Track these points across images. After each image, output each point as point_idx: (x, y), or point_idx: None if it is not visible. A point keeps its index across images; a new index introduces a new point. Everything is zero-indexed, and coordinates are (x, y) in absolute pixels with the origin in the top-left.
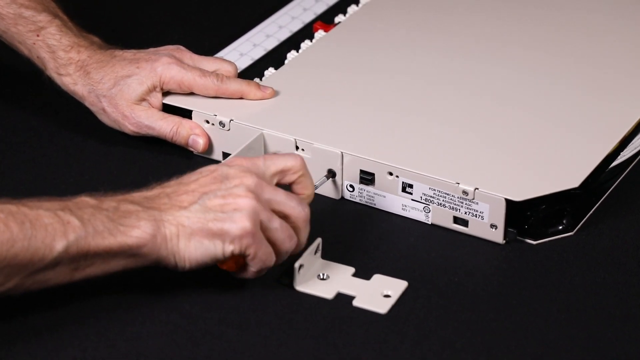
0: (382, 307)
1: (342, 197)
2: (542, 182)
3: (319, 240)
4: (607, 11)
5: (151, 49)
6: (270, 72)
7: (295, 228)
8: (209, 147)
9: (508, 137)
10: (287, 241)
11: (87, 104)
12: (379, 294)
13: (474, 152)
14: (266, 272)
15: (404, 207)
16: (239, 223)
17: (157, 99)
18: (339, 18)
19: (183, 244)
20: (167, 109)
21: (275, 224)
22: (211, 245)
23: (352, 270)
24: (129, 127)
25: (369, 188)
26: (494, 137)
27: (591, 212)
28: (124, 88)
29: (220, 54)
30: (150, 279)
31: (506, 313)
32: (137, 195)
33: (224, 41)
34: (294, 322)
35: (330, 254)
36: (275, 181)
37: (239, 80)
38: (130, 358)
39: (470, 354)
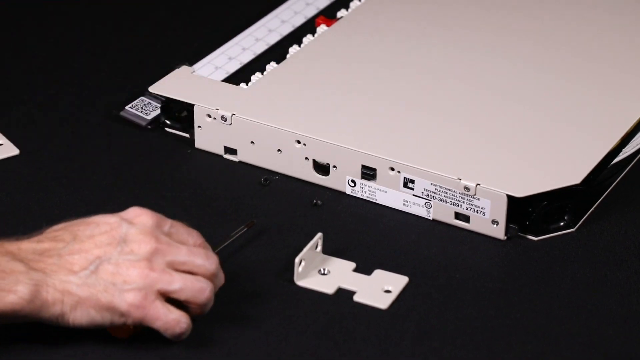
0: (382, 302)
1: (342, 192)
2: (544, 178)
3: (319, 235)
4: (611, 7)
5: None
6: (272, 66)
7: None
8: (211, 141)
9: (510, 133)
10: (199, 296)
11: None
12: (379, 289)
13: (475, 148)
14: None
15: (406, 203)
16: (127, 298)
17: None
18: (342, 13)
19: (67, 309)
20: (168, 102)
21: (176, 284)
22: (98, 317)
23: (352, 265)
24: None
25: (371, 183)
26: (496, 133)
27: (593, 208)
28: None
29: (223, 48)
30: None
31: (507, 309)
32: (24, 247)
33: (226, 35)
34: (294, 318)
35: (331, 249)
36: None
37: None
38: (129, 354)
39: (471, 351)
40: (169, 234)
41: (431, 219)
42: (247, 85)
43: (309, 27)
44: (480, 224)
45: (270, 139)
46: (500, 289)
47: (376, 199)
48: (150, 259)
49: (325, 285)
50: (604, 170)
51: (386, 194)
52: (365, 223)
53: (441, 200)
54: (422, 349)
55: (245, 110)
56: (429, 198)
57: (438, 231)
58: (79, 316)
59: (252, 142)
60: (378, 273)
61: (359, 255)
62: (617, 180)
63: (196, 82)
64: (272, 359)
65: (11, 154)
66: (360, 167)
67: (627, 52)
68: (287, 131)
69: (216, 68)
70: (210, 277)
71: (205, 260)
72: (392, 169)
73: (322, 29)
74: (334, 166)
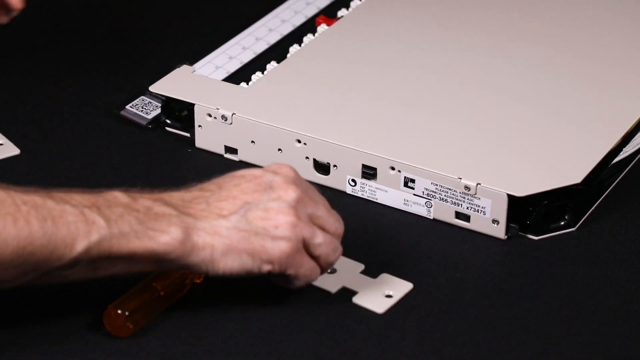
0: (380, 306)
1: (343, 191)
2: (544, 177)
3: None
4: (612, 7)
5: None
6: (272, 65)
7: None
8: (211, 140)
9: (510, 133)
10: (331, 255)
11: None
12: (381, 293)
13: (476, 148)
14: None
15: (406, 202)
16: (281, 246)
17: None
18: (342, 12)
19: (218, 255)
20: (168, 101)
21: (319, 239)
22: (249, 261)
23: (361, 267)
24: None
25: (371, 183)
26: (497, 132)
27: (593, 208)
28: None
29: (223, 47)
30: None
31: (508, 309)
32: (174, 195)
33: (226, 35)
34: (295, 317)
35: None
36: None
37: None
38: (131, 352)
39: (472, 350)
40: (306, 190)
41: (432, 218)
42: (247, 84)
43: (309, 26)
44: (480, 224)
45: (270, 139)
46: (500, 288)
47: (377, 199)
48: (295, 206)
49: (330, 283)
50: (604, 169)
51: (387, 193)
52: (366, 222)
53: (442, 199)
54: (423, 348)
55: (246, 109)
56: (429, 197)
57: (438, 230)
58: (230, 261)
59: (252, 142)
60: (384, 277)
61: (358, 255)
62: (618, 180)
63: (196, 81)
64: (272, 358)
65: (11, 153)
66: (361, 166)
67: (627, 52)
68: (288, 130)
69: (216, 67)
70: (339, 239)
71: (338, 221)
72: (393, 169)
73: (322, 28)
74: (335, 165)
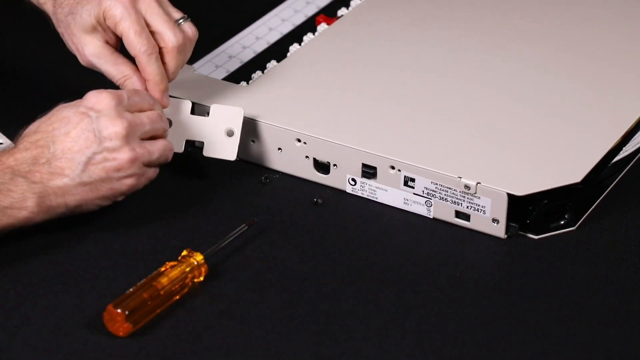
0: (230, 152)
1: (343, 191)
2: (544, 176)
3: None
4: (611, 6)
5: None
6: (272, 64)
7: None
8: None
9: (510, 132)
10: (169, 154)
11: (54, 25)
12: (222, 133)
13: (476, 147)
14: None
15: (406, 201)
16: (126, 182)
17: (110, 33)
18: (342, 11)
19: (72, 207)
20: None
21: (155, 155)
22: (103, 202)
23: (188, 104)
24: (82, 61)
25: (371, 182)
26: (496, 131)
27: (593, 207)
28: (77, 17)
29: (223, 46)
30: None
31: (507, 308)
32: (19, 156)
33: (226, 34)
34: (295, 316)
35: (331, 247)
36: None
37: (161, 67)
38: (131, 351)
39: (472, 349)
40: (128, 107)
41: (431, 217)
42: (247, 83)
43: (309, 25)
44: (480, 223)
45: (270, 138)
46: (500, 287)
47: (377, 198)
48: (128, 140)
49: (177, 144)
50: (604, 169)
51: (387, 192)
52: (366, 221)
53: (441, 198)
54: (423, 347)
55: (246, 108)
56: (429, 196)
57: (438, 230)
58: (86, 209)
59: (252, 141)
60: (214, 109)
61: (359, 254)
62: (618, 179)
63: (197, 80)
64: (272, 358)
65: None
66: (361, 165)
67: (627, 52)
68: (288, 130)
69: (216, 67)
70: (164, 134)
71: (161, 121)
72: (393, 168)
73: (322, 27)
74: (335, 165)
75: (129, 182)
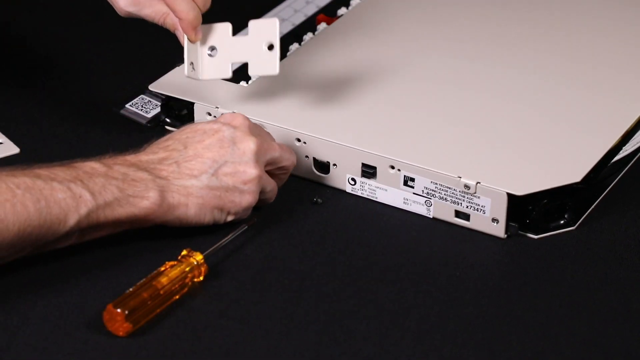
0: (272, 67)
1: (342, 190)
2: (544, 176)
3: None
4: (610, 7)
5: None
6: None
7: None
8: None
9: (510, 131)
10: (275, 194)
11: None
12: (263, 48)
13: (475, 146)
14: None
15: (406, 201)
16: (247, 197)
17: None
18: (342, 11)
19: (191, 212)
20: (168, 100)
21: (270, 186)
22: (218, 214)
23: (228, 26)
24: (119, 10)
25: (371, 181)
26: (496, 131)
27: (593, 206)
28: None
29: None
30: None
31: (507, 308)
32: (144, 159)
33: None
34: (295, 316)
35: (331, 247)
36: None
37: (190, 4)
38: (131, 351)
39: (472, 349)
40: (261, 135)
41: (431, 217)
42: (247, 83)
43: (309, 25)
44: (480, 222)
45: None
46: (500, 287)
47: (376, 197)
48: (257, 158)
49: (222, 69)
50: (604, 168)
51: (386, 192)
52: (366, 221)
53: (441, 198)
54: (423, 347)
55: (245, 108)
56: (429, 196)
57: (438, 229)
58: (202, 216)
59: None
60: (252, 25)
61: (359, 254)
62: (617, 179)
63: (197, 80)
64: (272, 357)
65: (11, 152)
66: (361, 165)
67: (626, 52)
68: (287, 129)
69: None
70: (290, 169)
71: (291, 154)
72: (393, 167)
73: (322, 27)
74: (334, 164)
75: (249, 198)
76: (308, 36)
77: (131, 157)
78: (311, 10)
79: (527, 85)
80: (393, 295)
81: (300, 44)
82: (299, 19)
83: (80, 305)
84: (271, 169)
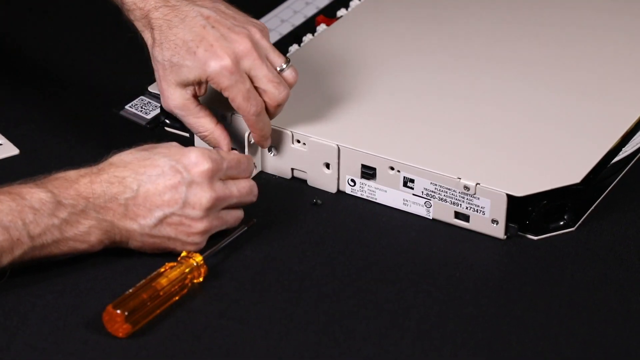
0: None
1: (342, 191)
2: (544, 177)
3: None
4: (610, 8)
5: (235, 19)
6: None
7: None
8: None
9: (510, 133)
10: (238, 220)
11: (149, 53)
12: (320, 164)
13: (475, 148)
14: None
15: (405, 202)
16: (189, 247)
17: (204, 88)
18: (341, 12)
19: (132, 247)
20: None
21: (226, 226)
22: (157, 251)
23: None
24: (163, 104)
25: (370, 183)
26: (496, 132)
27: (592, 207)
28: (175, 68)
29: None
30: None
31: (507, 308)
32: (98, 191)
33: None
34: (294, 316)
35: (331, 248)
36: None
37: (267, 119)
38: (131, 351)
39: (471, 349)
40: (224, 176)
41: (431, 218)
42: None
43: (308, 26)
44: (480, 223)
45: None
46: (500, 287)
47: (376, 198)
48: (208, 213)
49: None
50: (603, 169)
51: (386, 193)
52: (365, 222)
53: (441, 199)
54: (422, 347)
55: None
56: (428, 197)
57: (438, 230)
58: (143, 251)
59: (250, 141)
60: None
61: (358, 254)
62: (617, 180)
63: None
64: (272, 358)
65: (11, 153)
66: (360, 166)
67: (626, 54)
68: (287, 131)
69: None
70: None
71: (251, 194)
72: (392, 169)
73: (321, 28)
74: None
75: (190, 247)
76: (307, 37)
77: (85, 187)
78: (311, 11)
79: (526, 86)
80: (393, 295)
81: (299, 45)
82: (299, 20)
83: (80, 306)
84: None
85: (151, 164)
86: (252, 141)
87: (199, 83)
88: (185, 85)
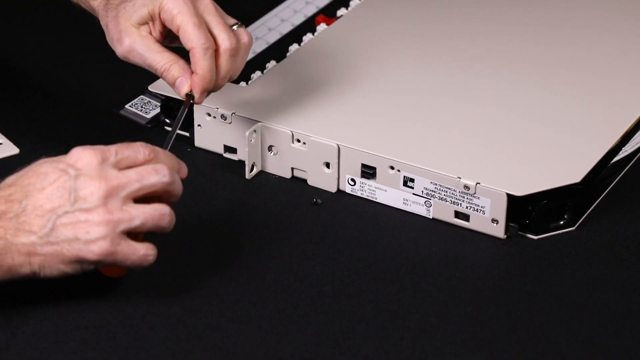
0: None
1: (342, 191)
2: (544, 177)
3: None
4: (610, 8)
5: None
6: (271, 65)
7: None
8: (211, 139)
9: (510, 132)
10: (160, 223)
11: (99, 18)
12: (321, 164)
13: (475, 147)
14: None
15: (405, 202)
16: (94, 249)
17: (158, 28)
18: (341, 12)
19: (36, 268)
20: (167, 100)
21: (137, 221)
22: (68, 269)
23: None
24: (120, 50)
25: (371, 182)
26: (496, 131)
27: (592, 207)
28: (128, 7)
29: None
30: (151, 271)
31: (507, 308)
32: None
33: None
34: (294, 317)
35: (331, 248)
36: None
37: (213, 65)
38: (131, 351)
39: (471, 349)
40: (116, 163)
41: (431, 217)
42: (246, 83)
43: (308, 25)
44: (480, 223)
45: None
46: (500, 287)
47: (376, 198)
48: (105, 202)
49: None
50: (603, 169)
51: (386, 192)
52: (365, 222)
53: (441, 199)
54: (422, 347)
55: (245, 109)
56: (428, 197)
57: (438, 230)
58: (49, 271)
59: (250, 141)
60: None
61: (358, 254)
62: (617, 179)
63: None
64: (272, 358)
65: (11, 153)
66: (360, 165)
67: (626, 53)
68: (287, 130)
69: None
70: (168, 189)
71: (157, 175)
72: (392, 168)
73: (322, 27)
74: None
75: (96, 249)
76: (308, 37)
77: None
78: (311, 10)
79: (527, 85)
80: (393, 295)
81: (299, 45)
82: (299, 19)
83: (80, 306)
84: (148, 195)
85: (34, 173)
86: (253, 140)
87: (152, 19)
88: (139, 22)
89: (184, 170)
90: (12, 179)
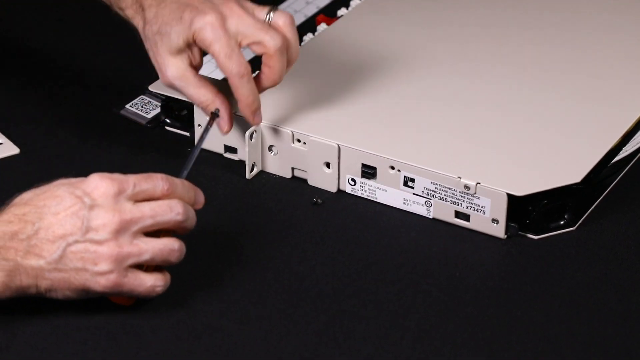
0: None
1: (342, 191)
2: (544, 177)
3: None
4: (610, 9)
5: None
6: None
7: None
8: (211, 139)
9: (510, 132)
10: (169, 258)
11: (141, 39)
12: (321, 164)
13: (475, 147)
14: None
15: (406, 202)
16: (100, 281)
17: (197, 52)
18: (342, 11)
19: (43, 290)
20: (168, 100)
21: (146, 256)
22: (74, 295)
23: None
24: (162, 80)
25: (371, 182)
26: (496, 131)
27: (593, 207)
28: (164, 37)
29: None
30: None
31: (507, 308)
32: None
33: None
34: (294, 317)
35: (331, 248)
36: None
37: (254, 87)
38: (131, 351)
39: (472, 349)
40: (133, 195)
41: (431, 217)
42: None
43: (309, 25)
44: (480, 223)
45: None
46: (500, 287)
47: (376, 198)
48: (116, 236)
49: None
50: (604, 169)
51: (386, 192)
52: (365, 222)
53: (441, 199)
54: (423, 347)
55: None
56: (429, 197)
57: (438, 230)
58: (55, 295)
59: (252, 140)
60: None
61: (358, 254)
62: (617, 179)
63: None
64: (272, 358)
65: (11, 152)
66: (361, 165)
67: (626, 53)
68: (287, 130)
69: (216, 67)
70: (182, 225)
71: (171, 213)
72: (392, 168)
73: (322, 27)
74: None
75: (103, 281)
76: (308, 37)
77: None
78: (311, 10)
79: (527, 85)
80: (393, 295)
81: (300, 45)
82: (299, 19)
83: (80, 306)
84: (161, 229)
85: (50, 195)
86: (253, 140)
87: (189, 46)
88: (177, 52)
89: (201, 200)
90: (29, 196)
